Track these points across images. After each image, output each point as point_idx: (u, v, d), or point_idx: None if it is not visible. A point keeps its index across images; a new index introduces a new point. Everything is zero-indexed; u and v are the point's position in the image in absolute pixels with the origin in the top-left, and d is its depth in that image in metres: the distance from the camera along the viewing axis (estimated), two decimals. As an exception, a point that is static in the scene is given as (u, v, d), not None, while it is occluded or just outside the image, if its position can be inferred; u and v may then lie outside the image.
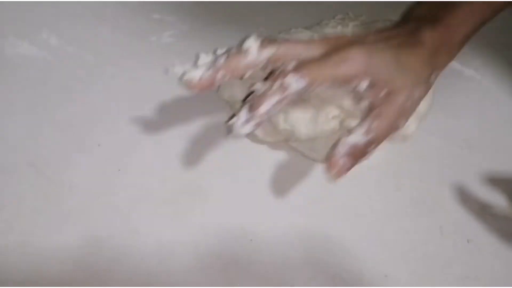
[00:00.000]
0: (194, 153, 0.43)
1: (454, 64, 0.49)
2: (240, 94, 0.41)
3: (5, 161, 0.42)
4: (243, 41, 0.34)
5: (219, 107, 0.45)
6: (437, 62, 0.35)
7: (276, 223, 0.40)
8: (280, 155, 0.43)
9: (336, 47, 0.33)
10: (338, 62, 0.32)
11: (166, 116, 0.45)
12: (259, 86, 0.33)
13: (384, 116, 0.33)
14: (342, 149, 0.33)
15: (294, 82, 0.31)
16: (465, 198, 0.42)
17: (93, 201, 0.40)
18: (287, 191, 0.42)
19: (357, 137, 0.33)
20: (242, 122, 0.32)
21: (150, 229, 0.39)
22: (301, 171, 0.43)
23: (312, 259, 0.39)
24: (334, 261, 0.39)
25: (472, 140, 0.45)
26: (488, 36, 0.48)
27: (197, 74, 0.33)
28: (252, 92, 0.33)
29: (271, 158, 0.43)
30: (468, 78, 0.49)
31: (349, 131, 0.34)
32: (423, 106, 0.39)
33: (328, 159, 0.33)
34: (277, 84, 0.31)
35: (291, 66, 0.33)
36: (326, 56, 0.33)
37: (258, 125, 0.32)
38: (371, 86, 0.33)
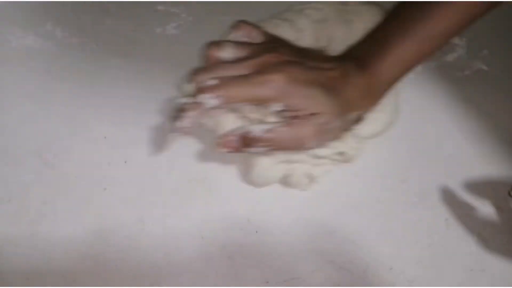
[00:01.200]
0: (199, 145, 0.43)
1: (461, 54, 0.48)
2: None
3: (12, 152, 0.42)
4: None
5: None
6: (359, 104, 0.37)
7: (281, 214, 0.40)
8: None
9: (262, 68, 0.35)
10: (256, 85, 0.34)
11: (171, 107, 0.45)
12: (183, 100, 0.36)
13: (292, 128, 0.35)
14: (238, 131, 0.35)
15: (210, 100, 0.34)
16: (472, 190, 0.42)
17: (99, 193, 0.41)
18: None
19: (257, 130, 0.35)
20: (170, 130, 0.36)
21: (156, 220, 0.40)
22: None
23: (318, 250, 0.39)
24: (339, 253, 0.39)
25: (479, 132, 0.45)
26: (496, 26, 0.48)
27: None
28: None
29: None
30: (474, 70, 0.48)
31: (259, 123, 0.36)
32: (366, 129, 0.40)
33: (222, 134, 0.36)
34: (195, 100, 0.34)
35: (210, 82, 0.35)
36: (247, 77, 0.35)
37: (186, 133, 0.36)
38: (284, 109, 0.35)
